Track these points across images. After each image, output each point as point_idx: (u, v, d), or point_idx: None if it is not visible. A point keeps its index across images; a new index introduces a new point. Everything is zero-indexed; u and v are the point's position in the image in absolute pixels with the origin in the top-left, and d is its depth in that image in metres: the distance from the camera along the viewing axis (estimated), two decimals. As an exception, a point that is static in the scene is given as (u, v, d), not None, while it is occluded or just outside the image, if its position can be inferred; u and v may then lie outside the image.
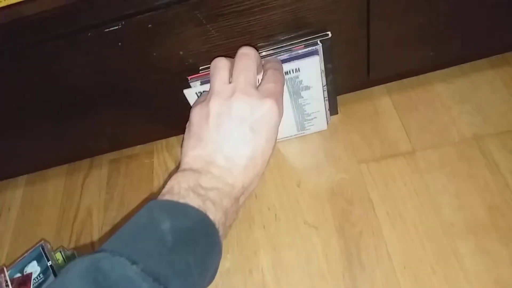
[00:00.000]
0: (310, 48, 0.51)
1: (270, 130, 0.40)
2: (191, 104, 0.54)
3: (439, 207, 0.52)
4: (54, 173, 0.71)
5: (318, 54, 0.51)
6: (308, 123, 0.61)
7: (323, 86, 0.56)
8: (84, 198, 0.66)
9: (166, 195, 0.34)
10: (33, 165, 0.71)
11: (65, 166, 0.71)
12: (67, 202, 0.67)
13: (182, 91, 0.56)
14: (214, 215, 0.33)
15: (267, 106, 0.39)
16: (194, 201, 0.33)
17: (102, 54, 0.51)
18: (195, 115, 0.41)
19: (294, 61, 0.51)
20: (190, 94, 0.53)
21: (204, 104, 0.41)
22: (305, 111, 0.59)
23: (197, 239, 0.31)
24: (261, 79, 0.45)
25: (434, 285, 0.47)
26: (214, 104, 0.40)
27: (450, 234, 0.50)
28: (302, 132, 0.63)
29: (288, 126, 0.61)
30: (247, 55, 0.43)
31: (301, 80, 0.53)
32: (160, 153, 0.68)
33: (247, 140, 0.38)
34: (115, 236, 0.31)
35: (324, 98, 0.58)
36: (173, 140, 0.69)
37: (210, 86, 0.42)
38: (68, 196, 0.67)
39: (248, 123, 0.39)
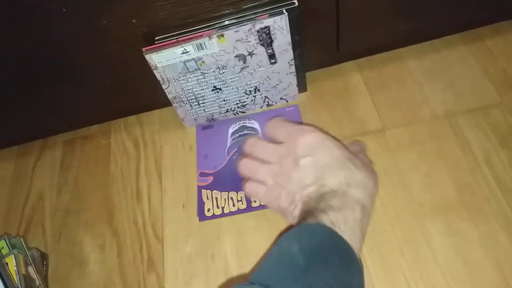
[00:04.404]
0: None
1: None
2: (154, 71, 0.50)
3: (409, 186, 0.50)
4: (3, 155, 0.65)
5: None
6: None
7: (290, 60, 0.53)
8: (35, 182, 0.61)
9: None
10: (-21, 147, 0.66)
11: (15, 148, 0.66)
12: (16, 186, 0.62)
13: (139, 65, 0.52)
14: (343, 229, 0.33)
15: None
16: (318, 219, 0.33)
17: (45, 22, 0.46)
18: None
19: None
20: (152, 59, 0.49)
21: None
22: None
23: (330, 255, 0.31)
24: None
25: (402, 267, 0.45)
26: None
27: (419, 214, 0.48)
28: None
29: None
30: None
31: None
32: (118, 133, 0.63)
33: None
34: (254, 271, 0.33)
35: (292, 72, 0.55)
36: (132, 119, 0.65)
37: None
38: (18, 180, 0.62)
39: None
